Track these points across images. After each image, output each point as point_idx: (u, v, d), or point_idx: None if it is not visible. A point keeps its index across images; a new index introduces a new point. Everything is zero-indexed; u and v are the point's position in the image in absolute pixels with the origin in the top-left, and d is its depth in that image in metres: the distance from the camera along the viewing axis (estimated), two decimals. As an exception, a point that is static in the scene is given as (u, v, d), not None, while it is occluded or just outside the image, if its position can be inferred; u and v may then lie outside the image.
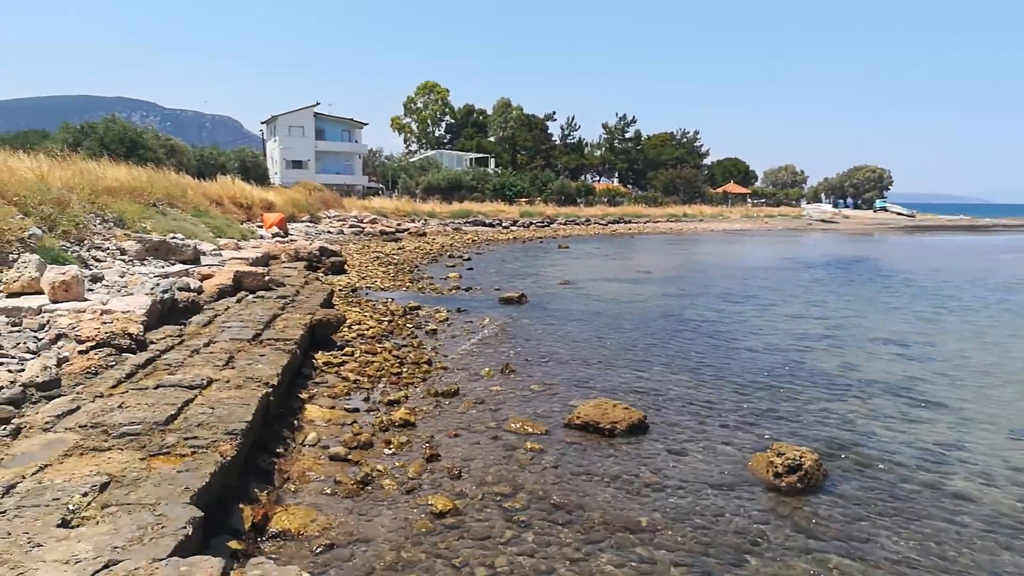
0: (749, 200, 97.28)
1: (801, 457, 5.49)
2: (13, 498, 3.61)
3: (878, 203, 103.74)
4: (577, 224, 57.65)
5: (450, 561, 4.19)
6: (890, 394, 8.37)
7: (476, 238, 40.50)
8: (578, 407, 7.00)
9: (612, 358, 10.07)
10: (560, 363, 9.64)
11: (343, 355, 9.19)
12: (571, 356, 10.12)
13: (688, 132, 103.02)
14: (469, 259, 26.70)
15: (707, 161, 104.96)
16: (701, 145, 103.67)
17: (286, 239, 24.56)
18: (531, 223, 53.15)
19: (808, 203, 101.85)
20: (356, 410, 7.08)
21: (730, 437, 6.64)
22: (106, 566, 2.95)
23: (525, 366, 9.34)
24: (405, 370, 8.78)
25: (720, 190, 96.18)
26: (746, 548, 4.49)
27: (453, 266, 23.57)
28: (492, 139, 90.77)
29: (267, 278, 12.13)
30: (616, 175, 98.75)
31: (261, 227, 27.01)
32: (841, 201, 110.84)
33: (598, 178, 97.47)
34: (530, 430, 6.63)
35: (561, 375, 8.95)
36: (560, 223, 56.69)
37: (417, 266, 23.13)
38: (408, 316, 12.74)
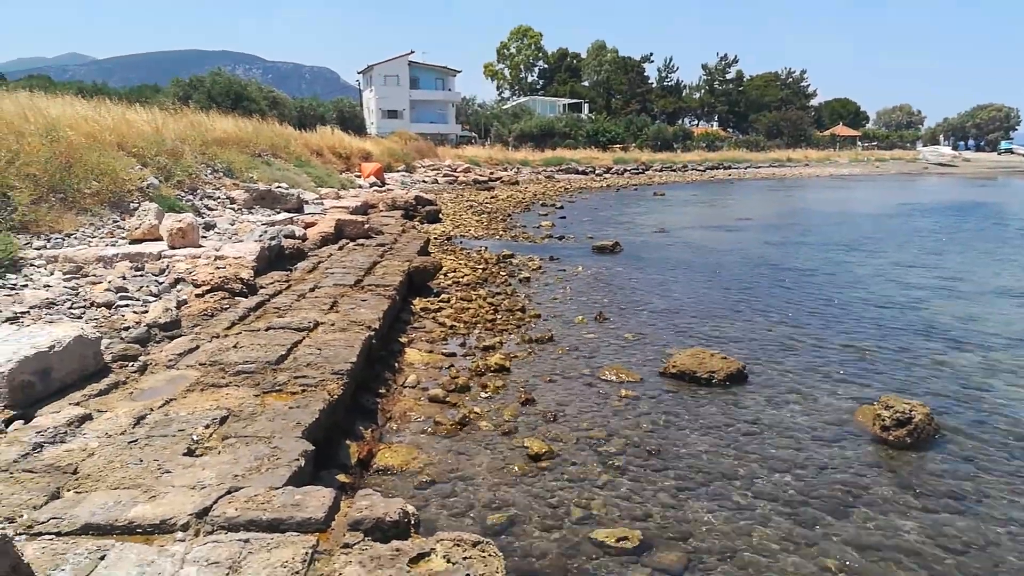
0: (859, 143, 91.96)
1: (911, 410, 5.25)
2: (144, 428, 3.92)
3: (1003, 144, 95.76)
4: (673, 170, 56.17)
5: (546, 501, 4.28)
6: (1008, 348, 7.85)
7: (569, 186, 40.15)
8: (673, 356, 6.93)
9: (709, 307, 9.87)
10: (655, 312, 9.53)
11: (440, 301, 9.39)
12: (666, 305, 9.98)
13: (794, 72, 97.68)
14: (562, 207, 26.55)
15: (814, 102, 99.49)
16: (808, 85, 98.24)
17: (383, 188, 25.09)
18: (625, 170, 52.17)
19: (924, 145, 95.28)
20: (453, 354, 7.26)
21: (834, 389, 6.43)
22: (228, 492, 3.17)
23: (619, 314, 9.29)
24: (500, 317, 8.89)
25: (827, 133, 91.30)
26: (849, 501, 4.37)
27: (546, 214, 23.50)
28: (586, 84, 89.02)
29: (366, 226, 12.47)
30: (716, 119, 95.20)
31: (359, 177, 27.66)
32: (962, 143, 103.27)
33: (696, 122, 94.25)
34: (624, 378, 6.62)
35: (656, 324, 8.86)
36: (656, 169, 55.38)
37: (510, 215, 23.19)
38: (502, 264, 12.85)
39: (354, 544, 2.83)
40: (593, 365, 7.03)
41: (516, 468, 4.72)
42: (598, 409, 5.87)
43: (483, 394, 6.16)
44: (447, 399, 5.93)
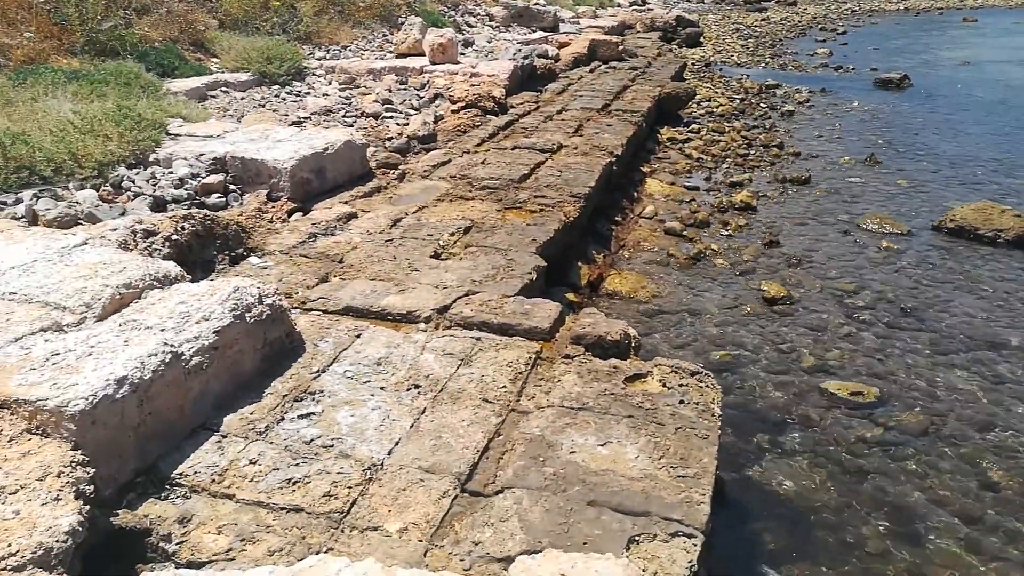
0: None
1: None
2: (399, 230, 4.28)
3: None
4: (994, -9, 46.48)
5: (776, 345, 4.11)
6: None
7: (857, 8, 35.02)
8: (953, 209, 6.05)
9: (1010, 157, 8.36)
10: (939, 158, 8.30)
11: (688, 132, 8.95)
12: (955, 151, 8.62)
13: None
14: (844, 33, 23.35)
15: None
16: None
17: (643, 7, 23.69)
18: (931, -10, 44.14)
19: None
20: (696, 188, 6.98)
21: None
22: (466, 294, 3.41)
23: (894, 158, 8.22)
24: (753, 152, 8.31)
25: None
26: None
27: (823, 40, 20.87)
28: None
29: (620, 48, 11.97)
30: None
31: (619, -5, 26.29)
32: None
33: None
34: (889, 228, 5.95)
35: (938, 172, 7.73)
36: (971, -11, 46.22)
37: (781, 40, 20.93)
38: (763, 95, 11.80)
39: (574, 356, 2.93)
40: (853, 212, 6.38)
41: (748, 309, 4.55)
42: (851, 259, 5.38)
43: (723, 232, 5.91)
44: (684, 233, 5.77)
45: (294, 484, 2.13)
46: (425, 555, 1.91)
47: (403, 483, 2.18)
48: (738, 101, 11.06)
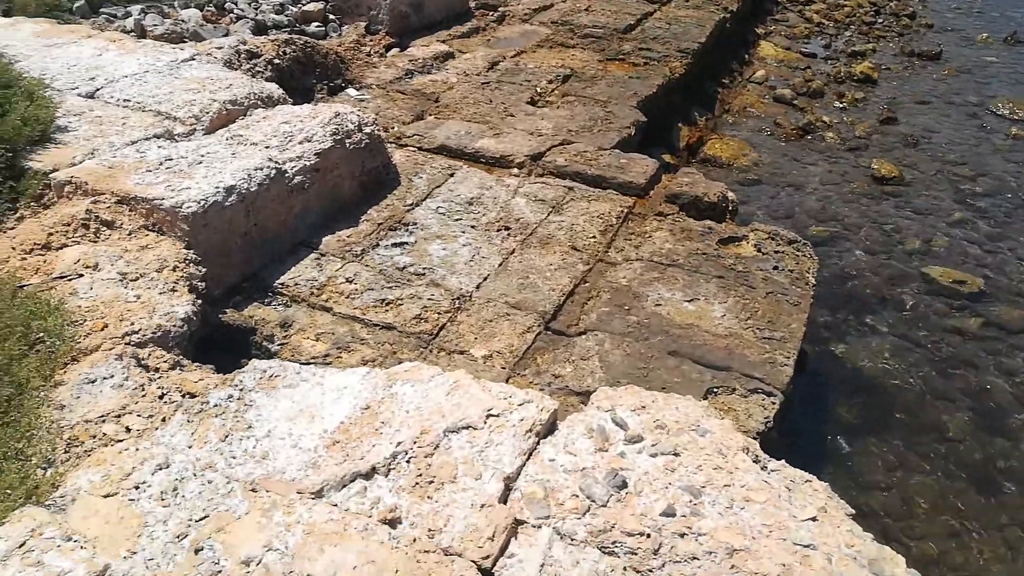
0: None
1: None
2: (495, 73, 4.17)
3: None
4: None
5: (881, 225, 3.91)
6: None
7: None
8: (1103, 98, 5.47)
9: None
10: (1096, 41, 7.40)
11: (813, -7, 8.22)
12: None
13: None
14: None
15: None
16: None
17: None
18: None
19: None
20: (812, 55, 6.48)
21: None
22: (562, 143, 3.34)
23: (1042, 38, 7.38)
24: (880, 20, 7.60)
25: None
26: None
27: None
28: None
29: None
30: None
31: None
32: None
33: None
34: (1021, 114, 5.43)
35: (1092, 56, 6.92)
36: None
37: None
38: (902, -42, 10.63)
39: (668, 214, 2.87)
40: (984, 94, 5.83)
41: (855, 186, 4.31)
42: (974, 144, 4.97)
43: (837, 104, 5.52)
44: (794, 102, 5.42)
45: (387, 304, 2.21)
46: (507, 381, 1.98)
47: (490, 315, 2.23)
48: (872, -37, 10.01)
